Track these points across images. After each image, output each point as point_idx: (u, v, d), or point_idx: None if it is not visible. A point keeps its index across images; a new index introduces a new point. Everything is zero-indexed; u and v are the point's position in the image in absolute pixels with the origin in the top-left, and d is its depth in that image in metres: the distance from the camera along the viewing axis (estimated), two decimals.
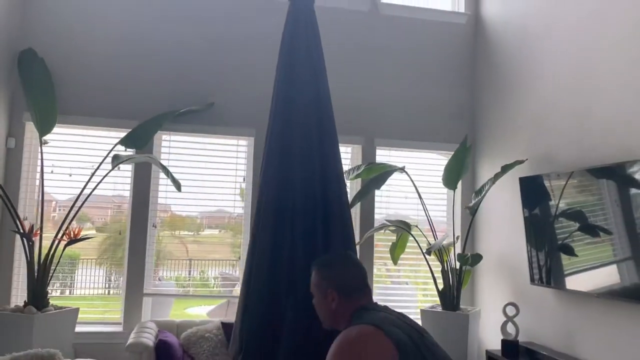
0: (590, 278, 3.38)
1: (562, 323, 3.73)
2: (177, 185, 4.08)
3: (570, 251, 3.55)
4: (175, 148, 4.59)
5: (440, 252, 4.23)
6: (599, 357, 3.38)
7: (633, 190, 3.04)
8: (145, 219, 4.44)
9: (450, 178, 4.37)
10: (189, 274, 5.43)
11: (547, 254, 3.76)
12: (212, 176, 4.61)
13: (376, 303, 1.79)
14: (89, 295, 4.64)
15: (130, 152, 4.36)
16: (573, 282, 3.52)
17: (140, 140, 4.15)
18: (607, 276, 3.25)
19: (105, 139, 4.42)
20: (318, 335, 1.73)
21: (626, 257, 3.14)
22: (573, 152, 3.73)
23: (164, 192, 4.55)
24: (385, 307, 1.78)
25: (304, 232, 1.99)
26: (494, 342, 4.41)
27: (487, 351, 3.98)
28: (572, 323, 3.63)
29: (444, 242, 4.26)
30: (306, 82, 2.11)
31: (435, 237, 4.44)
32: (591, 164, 3.50)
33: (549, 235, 3.73)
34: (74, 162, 4.36)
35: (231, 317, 4.86)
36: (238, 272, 5.40)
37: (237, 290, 5.21)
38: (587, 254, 3.42)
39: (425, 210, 4.41)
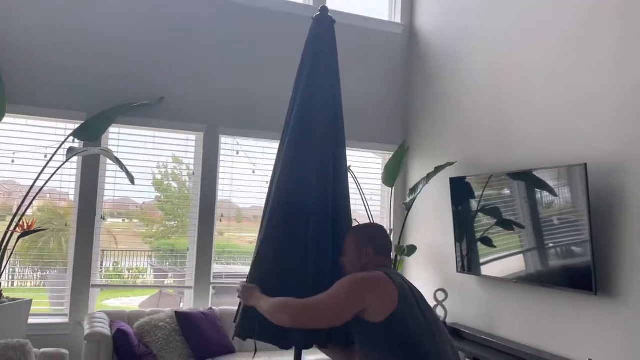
0: (503, 265, 3.94)
1: (484, 306, 4.28)
2: (131, 179, 4.15)
3: (488, 242, 4.10)
4: (124, 141, 4.63)
5: None
6: (514, 334, 3.95)
7: (537, 191, 3.65)
8: (92, 210, 4.46)
9: (390, 176, 4.80)
10: (101, 265, 5.26)
11: (469, 245, 4.29)
12: (160, 169, 4.71)
13: (393, 268, 2.19)
14: None
15: (77, 143, 4.38)
16: (488, 270, 4.09)
17: (93, 132, 4.17)
18: (517, 263, 3.82)
19: (50, 130, 4.39)
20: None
21: (532, 248, 3.72)
22: (494, 157, 4.27)
23: (112, 184, 4.58)
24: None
25: (316, 226, 2.24)
26: None
27: None
28: (492, 306, 4.19)
29: None
30: (325, 91, 2.38)
31: None
32: (508, 168, 4.08)
33: (472, 229, 4.27)
34: (19, 152, 4.29)
35: (163, 307, 5.01)
36: (155, 261, 5.47)
37: (168, 281, 5.32)
38: (501, 245, 3.98)
39: (366, 205, 4.80)
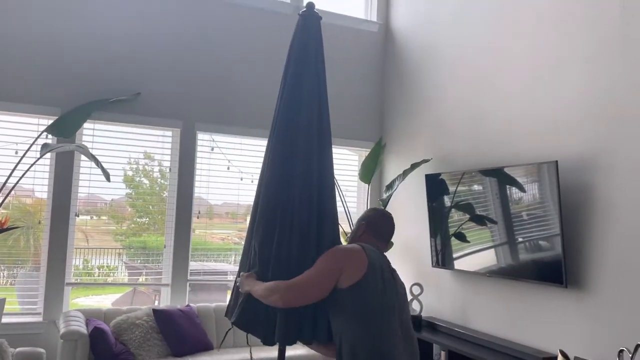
0: (476, 260, 4.05)
1: (458, 299, 4.38)
2: (107, 175, 4.11)
3: (461, 237, 4.20)
4: (98, 137, 4.57)
5: None
6: (487, 326, 4.06)
7: (509, 187, 3.77)
8: (66, 207, 4.39)
9: (366, 173, 4.86)
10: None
11: (444, 240, 4.39)
12: (132, 165, 4.66)
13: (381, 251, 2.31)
14: None
15: (50, 139, 4.30)
16: (461, 264, 4.20)
17: (68, 128, 4.10)
18: (489, 258, 3.93)
19: (22, 125, 4.30)
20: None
21: (504, 242, 3.83)
22: (468, 154, 4.38)
23: (86, 181, 4.52)
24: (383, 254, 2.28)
25: (300, 227, 2.29)
26: None
27: None
28: (465, 299, 4.29)
29: None
30: (311, 90, 2.40)
31: (351, 226, 4.90)
32: (481, 165, 4.18)
33: (446, 224, 4.36)
34: None
35: (138, 305, 4.97)
36: (126, 259, 5.40)
37: (143, 279, 5.27)
38: (474, 240, 4.08)
39: (343, 202, 4.86)
